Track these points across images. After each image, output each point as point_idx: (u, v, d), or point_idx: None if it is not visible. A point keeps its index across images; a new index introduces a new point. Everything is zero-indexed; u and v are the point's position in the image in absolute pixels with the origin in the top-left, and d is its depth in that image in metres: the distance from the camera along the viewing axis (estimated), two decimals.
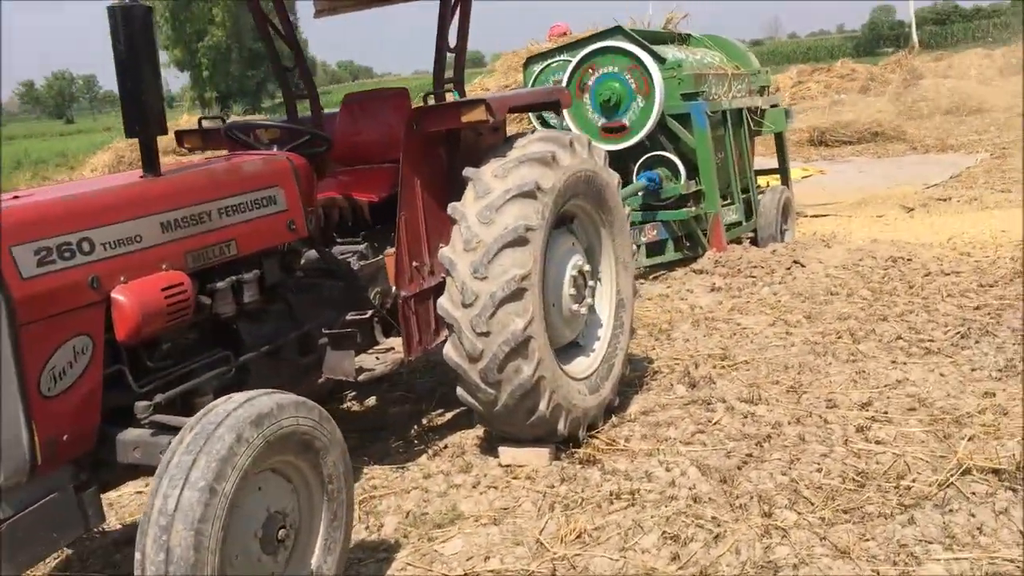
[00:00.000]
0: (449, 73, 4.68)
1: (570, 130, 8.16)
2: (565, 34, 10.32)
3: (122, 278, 3.05)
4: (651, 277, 8.11)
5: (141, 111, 3.16)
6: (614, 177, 4.81)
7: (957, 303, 6.38)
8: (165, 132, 3.28)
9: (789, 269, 7.78)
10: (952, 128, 19.92)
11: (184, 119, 17.84)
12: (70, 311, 2.89)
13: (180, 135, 4.81)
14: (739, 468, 4.14)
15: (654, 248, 8.42)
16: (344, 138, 4.98)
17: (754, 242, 9.04)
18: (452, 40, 4.66)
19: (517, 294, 3.96)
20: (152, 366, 3.27)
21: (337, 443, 3.15)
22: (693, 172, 8.31)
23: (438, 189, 4.38)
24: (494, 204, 4.03)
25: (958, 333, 5.72)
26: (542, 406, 4.15)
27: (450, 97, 4.66)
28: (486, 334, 3.98)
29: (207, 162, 3.86)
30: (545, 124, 8.93)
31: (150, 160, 3.33)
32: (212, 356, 3.52)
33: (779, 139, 10.26)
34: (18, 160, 28.69)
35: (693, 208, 8.26)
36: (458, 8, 4.61)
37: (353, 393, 5.61)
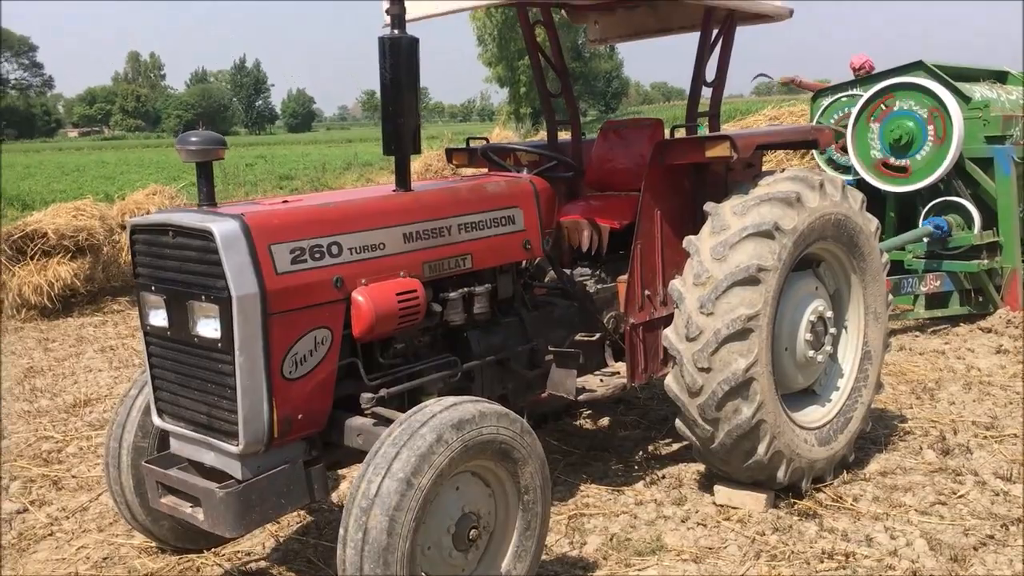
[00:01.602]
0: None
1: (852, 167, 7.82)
2: (861, 68, 9.79)
3: (363, 280, 3.38)
4: (928, 331, 7.52)
5: (398, 132, 3.49)
6: (871, 223, 4.57)
7: None
8: (418, 152, 3.60)
9: None
10: None
11: (496, 132, 19.07)
12: (315, 305, 3.25)
13: (450, 152, 5.18)
14: (975, 549, 3.80)
15: (935, 300, 7.80)
16: (597, 164, 5.12)
17: None
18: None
19: (742, 333, 3.89)
20: (383, 362, 3.59)
21: (536, 456, 3.28)
22: (990, 221, 7.61)
23: (679, 220, 4.40)
24: (729, 241, 3.99)
25: None
26: (760, 450, 4.04)
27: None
28: (707, 370, 3.95)
29: (455, 180, 4.15)
30: (832, 163, 8.59)
31: (402, 176, 3.67)
32: (440, 360, 3.79)
33: None
34: (348, 162, 31.73)
35: (986, 260, 7.55)
36: (719, 41, 4.59)
37: (588, 411, 5.74)
